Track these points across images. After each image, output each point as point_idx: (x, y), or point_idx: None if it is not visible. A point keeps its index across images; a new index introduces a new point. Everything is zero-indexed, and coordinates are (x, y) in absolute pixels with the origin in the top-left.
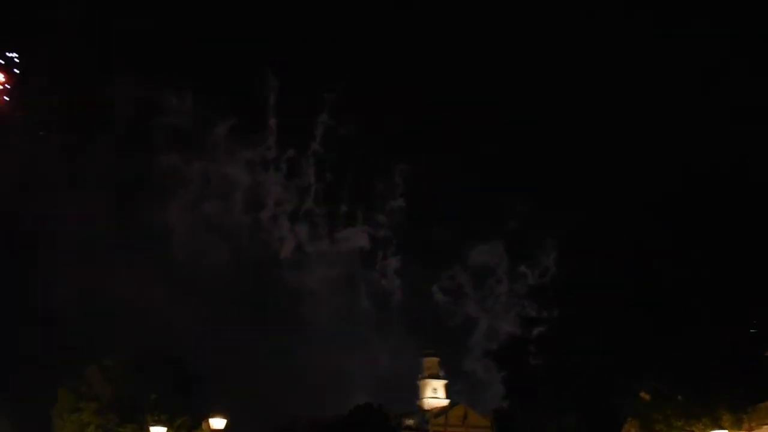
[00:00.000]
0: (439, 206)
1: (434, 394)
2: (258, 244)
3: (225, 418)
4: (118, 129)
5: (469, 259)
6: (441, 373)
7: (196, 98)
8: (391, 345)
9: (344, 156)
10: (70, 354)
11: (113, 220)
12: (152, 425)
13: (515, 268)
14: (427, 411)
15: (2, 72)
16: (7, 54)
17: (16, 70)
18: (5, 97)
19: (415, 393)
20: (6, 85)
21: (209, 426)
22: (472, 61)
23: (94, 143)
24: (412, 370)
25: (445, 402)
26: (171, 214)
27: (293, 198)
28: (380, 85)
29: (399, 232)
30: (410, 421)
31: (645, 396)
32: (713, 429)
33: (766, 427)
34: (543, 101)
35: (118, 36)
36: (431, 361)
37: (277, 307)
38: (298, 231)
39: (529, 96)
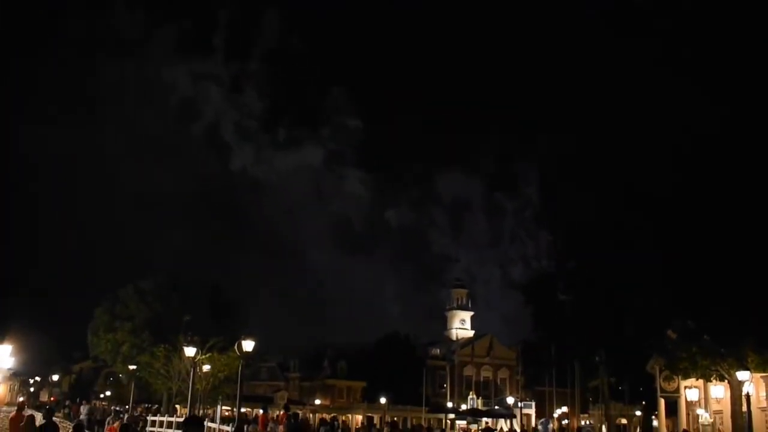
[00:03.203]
0: (403, 128)
1: (462, 325)
2: (216, 164)
3: (255, 340)
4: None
5: (440, 188)
6: (469, 305)
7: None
8: (376, 271)
9: (296, 74)
10: (108, 276)
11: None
12: (185, 345)
13: (491, 197)
14: (454, 341)
15: None
16: None
17: None
18: None
19: (432, 322)
20: None
21: (240, 347)
22: None
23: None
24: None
25: (471, 333)
26: (111, 130)
27: (248, 116)
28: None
29: (359, 152)
30: (436, 351)
31: (672, 335)
32: (738, 369)
33: None
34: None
35: None
36: (460, 293)
37: (257, 229)
38: (258, 149)
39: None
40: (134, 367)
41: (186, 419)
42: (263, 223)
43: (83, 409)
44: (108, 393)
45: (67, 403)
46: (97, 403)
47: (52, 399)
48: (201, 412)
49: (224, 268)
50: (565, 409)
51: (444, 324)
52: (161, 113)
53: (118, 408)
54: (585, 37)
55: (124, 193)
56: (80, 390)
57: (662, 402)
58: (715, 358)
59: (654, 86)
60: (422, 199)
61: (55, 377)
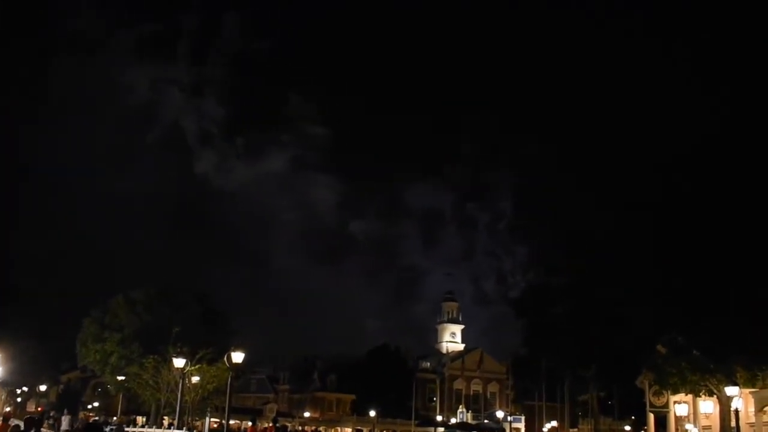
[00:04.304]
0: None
1: (452, 338)
2: (180, 170)
3: (244, 352)
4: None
5: (409, 199)
6: (459, 318)
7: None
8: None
9: (260, 80)
10: (97, 284)
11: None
12: (174, 357)
13: (462, 209)
14: (444, 354)
15: None
16: None
17: None
18: None
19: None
20: None
21: (229, 359)
22: None
23: None
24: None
25: (461, 346)
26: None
27: (211, 121)
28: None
29: (326, 160)
30: (426, 364)
31: (662, 349)
32: (727, 385)
33: None
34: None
35: None
36: (450, 306)
37: (224, 237)
38: (222, 156)
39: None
40: (123, 378)
41: (86, 426)
42: (230, 232)
43: (64, 420)
44: (96, 404)
45: (52, 413)
46: (85, 414)
47: (39, 409)
48: (189, 423)
49: (199, 278)
50: (554, 423)
51: (422, 336)
52: (121, 117)
53: (97, 418)
54: (569, 38)
55: (88, 198)
56: (68, 400)
57: (651, 417)
58: (705, 374)
59: (646, 91)
60: (391, 209)
61: (43, 387)
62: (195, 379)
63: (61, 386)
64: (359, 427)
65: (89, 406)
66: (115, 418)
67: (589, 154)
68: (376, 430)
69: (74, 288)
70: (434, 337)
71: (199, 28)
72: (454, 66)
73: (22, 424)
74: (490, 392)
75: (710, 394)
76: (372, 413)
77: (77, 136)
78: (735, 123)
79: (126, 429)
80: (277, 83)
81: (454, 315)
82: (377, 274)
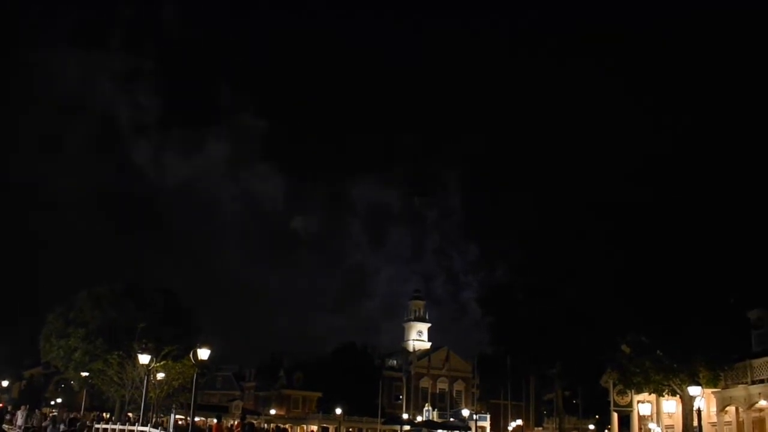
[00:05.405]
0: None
1: (419, 336)
2: (120, 163)
3: (210, 349)
4: None
5: (354, 195)
6: (426, 316)
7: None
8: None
9: (196, 71)
10: (60, 280)
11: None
12: (139, 353)
13: (409, 204)
14: (411, 353)
15: None
16: None
17: None
18: None
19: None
20: None
21: (195, 356)
22: None
23: None
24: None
25: (428, 345)
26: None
27: (147, 114)
28: None
29: (267, 156)
30: (393, 362)
31: (626, 349)
32: (690, 384)
33: (741, 386)
34: None
35: None
36: (417, 304)
37: (167, 230)
38: (160, 149)
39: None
40: (86, 374)
41: None
42: (173, 225)
43: (19, 415)
44: (59, 400)
45: (9, 408)
46: (47, 410)
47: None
48: (154, 420)
49: (144, 271)
50: (519, 422)
51: (372, 333)
52: (52, 107)
53: (56, 414)
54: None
55: (22, 191)
56: (30, 396)
57: (615, 416)
58: (668, 373)
59: (609, 99)
60: (336, 204)
61: (5, 383)
62: (160, 375)
63: (24, 382)
64: (325, 425)
65: (52, 402)
66: (70, 414)
67: (542, 153)
68: (342, 427)
69: (43, 283)
70: (396, 334)
71: (134, 17)
72: (397, 59)
73: None
74: (456, 390)
75: (673, 393)
76: (338, 411)
77: (4, 126)
78: (691, 132)
79: (96, 426)
80: (213, 74)
81: (421, 313)
82: (324, 270)
